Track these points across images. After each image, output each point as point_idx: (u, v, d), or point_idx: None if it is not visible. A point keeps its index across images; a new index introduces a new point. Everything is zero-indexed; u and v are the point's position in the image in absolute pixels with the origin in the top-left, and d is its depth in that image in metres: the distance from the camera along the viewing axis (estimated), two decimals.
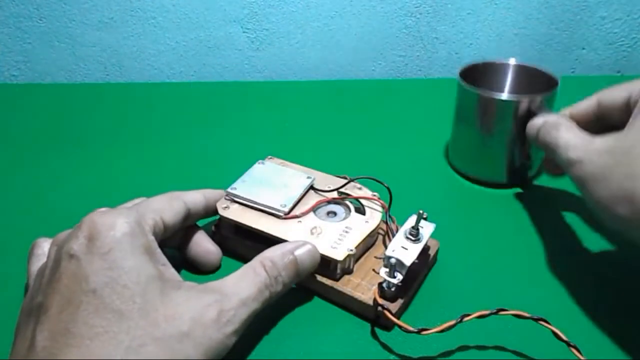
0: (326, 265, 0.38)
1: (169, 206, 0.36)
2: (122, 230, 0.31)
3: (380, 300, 0.36)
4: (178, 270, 0.37)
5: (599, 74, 0.76)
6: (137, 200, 0.39)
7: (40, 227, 0.45)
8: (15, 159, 0.54)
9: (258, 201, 0.41)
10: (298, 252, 0.36)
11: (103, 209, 0.33)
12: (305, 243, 0.37)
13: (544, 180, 0.53)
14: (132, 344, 0.28)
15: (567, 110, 0.44)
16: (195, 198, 0.40)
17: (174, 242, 0.41)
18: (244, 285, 0.33)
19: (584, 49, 0.74)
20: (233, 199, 0.42)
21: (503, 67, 0.54)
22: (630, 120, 0.36)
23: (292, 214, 0.41)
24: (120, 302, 0.29)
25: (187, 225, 0.40)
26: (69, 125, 0.59)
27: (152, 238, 0.33)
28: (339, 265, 0.38)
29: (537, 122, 0.44)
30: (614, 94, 0.41)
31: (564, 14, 0.71)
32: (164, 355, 0.28)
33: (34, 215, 0.47)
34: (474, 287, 0.41)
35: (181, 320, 0.29)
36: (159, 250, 0.33)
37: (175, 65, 0.71)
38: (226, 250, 0.42)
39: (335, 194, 0.43)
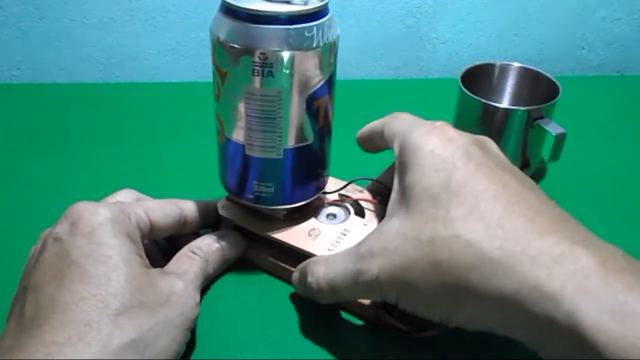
0: None
1: (159, 207, 0.38)
2: (104, 215, 0.32)
3: (381, 303, 0.36)
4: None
5: (599, 74, 0.76)
6: (126, 192, 0.40)
7: (40, 226, 0.45)
8: (15, 159, 0.54)
9: None
10: (223, 241, 0.40)
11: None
12: (229, 232, 0.40)
13: (541, 181, 0.53)
14: (120, 307, 0.29)
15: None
16: (194, 206, 0.40)
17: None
18: (187, 266, 0.36)
19: (584, 49, 0.74)
20: (233, 199, 0.42)
21: (504, 69, 0.54)
22: (398, 196, 0.32)
23: (291, 215, 0.41)
24: (105, 268, 0.30)
25: (187, 232, 0.41)
26: (69, 125, 0.59)
27: (134, 226, 0.34)
28: None
29: (294, 277, 0.37)
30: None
31: (564, 14, 0.71)
32: (150, 318, 0.30)
33: (34, 215, 0.47)
34: None
35: (160, 288, 0.32)
36: (139, 242, 0.34)
37: (175, 65, 0.71)
38: None
39: (335, 196, 0.43)
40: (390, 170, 0.40)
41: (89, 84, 0.69)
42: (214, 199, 0.43)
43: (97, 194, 0.49)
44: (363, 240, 0.32)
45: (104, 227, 0.32)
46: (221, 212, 0.41)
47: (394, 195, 0.32)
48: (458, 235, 0.27)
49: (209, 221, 0.42)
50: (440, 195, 0.28)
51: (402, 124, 0.34)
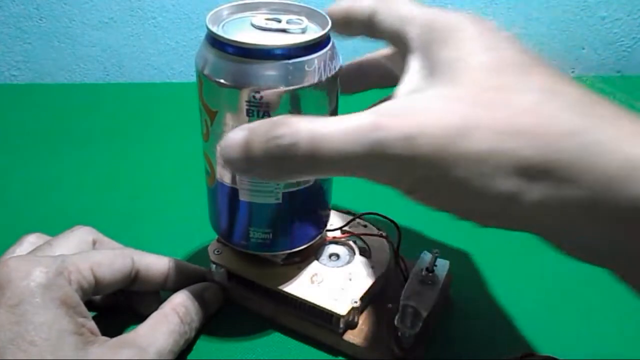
0: (328, 319, 0.35)
1: (108, 262, 0.32)
2: (37, 281, 0.28)
3: (400, 353, 0.33)
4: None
5: (599, 74, 0.75)
6: (82, 232, 0.35)
7: (40, 227, 0.45)
8: (15, 159, 0.54)
9: None
10: (206, 295, 0.36)
11: (23, 254, 0.32)
12: (209, 285, 0.37)
13: None
14: None
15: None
16: (153, 263, 0.35)
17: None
18: (159, 335, 0.31)
19: (584, 49, 0.74)
20: (226, 242, 0.37)
21: None
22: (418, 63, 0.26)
23: (291, 259, 0.36)
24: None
25: (142, 289, 0.36)
26: (69, 125, 0.59)
27: (73, 289, 0.30)
28: (341, 320, 0.34)
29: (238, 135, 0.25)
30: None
31: (564, 14, 0.71)
32: None
33: (34, 215, 0.47)
34: (490, 324, 0.37)
35: None
36: (80, 304, 0.30)
37: (175, 65, 0.71)
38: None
39: (338, 233, 0.39)
40: (392, 56, 0.33)
41: (89, 84, 0.69)
42: (196, 265, 0.38)
43: (97, 194, 0.49)
44: (366, 111, 0.25)
45: (34, 296, 0.28)
46: (212, 257, 0.37)
47: (417, 74, 0.26)
48: (540, 101, 0.22)
49: (171, 283, 0.36)
50: (505, 70, 0.24)
51: (410, 6, 0.28)
